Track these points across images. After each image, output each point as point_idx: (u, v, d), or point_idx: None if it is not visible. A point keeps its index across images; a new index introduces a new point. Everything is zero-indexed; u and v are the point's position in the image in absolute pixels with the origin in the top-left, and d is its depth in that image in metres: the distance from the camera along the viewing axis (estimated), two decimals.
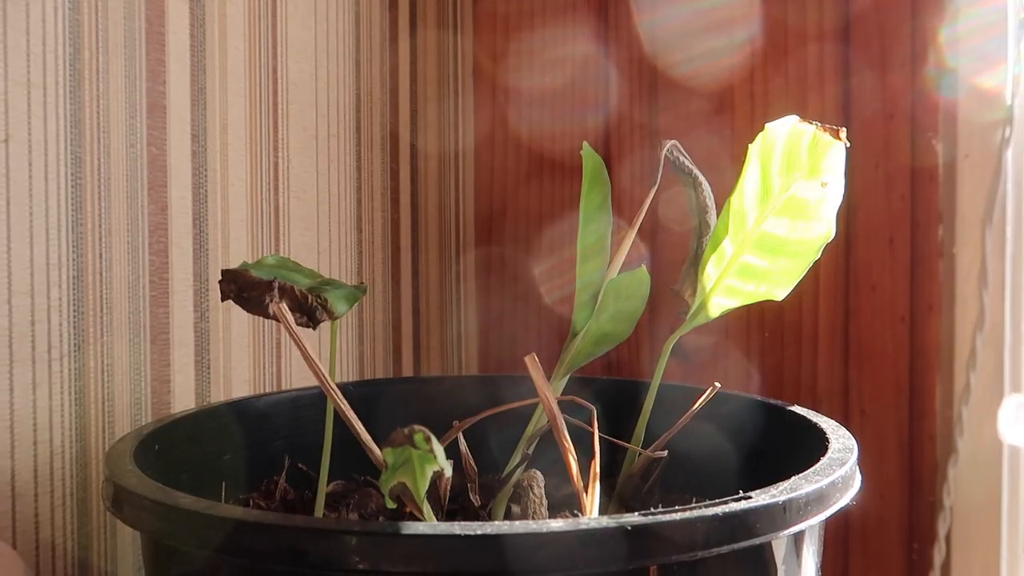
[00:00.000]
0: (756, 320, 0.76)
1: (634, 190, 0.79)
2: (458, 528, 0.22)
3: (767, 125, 0.30)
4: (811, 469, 0.28)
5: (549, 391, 0.28)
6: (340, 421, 0.40)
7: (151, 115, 0.54)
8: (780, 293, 0.34)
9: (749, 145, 0.31)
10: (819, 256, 0.32)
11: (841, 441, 0.33)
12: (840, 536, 0.72)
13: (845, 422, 0.75)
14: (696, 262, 0.48)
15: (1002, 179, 0.64)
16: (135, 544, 0.53)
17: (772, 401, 0.40)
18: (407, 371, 0.82)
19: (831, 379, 0.74)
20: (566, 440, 0.29)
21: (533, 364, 0.28)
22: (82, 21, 0.50)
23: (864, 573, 0.72)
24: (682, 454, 0.39)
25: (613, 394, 0.43)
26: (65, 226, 0.49)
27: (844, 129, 0.29)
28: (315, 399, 0.50)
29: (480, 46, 0.87)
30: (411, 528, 0.22)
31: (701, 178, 0.45)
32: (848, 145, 0.29)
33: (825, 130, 0.29)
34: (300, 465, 0.48)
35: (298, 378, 0.67)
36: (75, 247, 0.50)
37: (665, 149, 0.44)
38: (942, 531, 0.67)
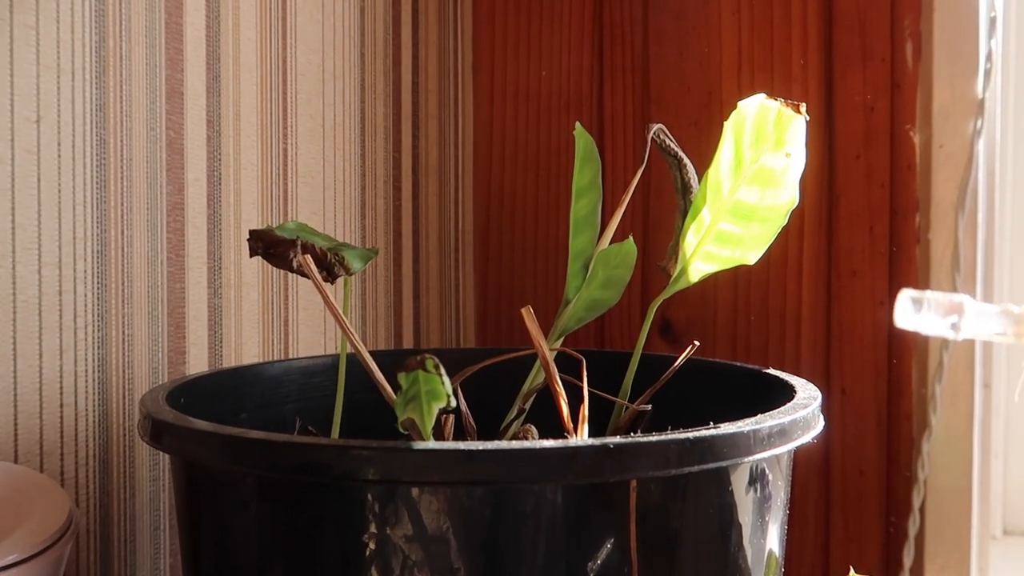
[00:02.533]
0: (743, 303, 0.80)
1: (628, 182, 0.83)
2: (462, 445, 0.25)
3: (739, 103, 0.34)
4: (777, 410, 0.32)
5: (543, 340, 0.32)
6: (349, 387, 0.43)
7: (170, 101, 0.58)
8: (752, 257, 0.37)
9: (725, 122, 0.34)
10: (786, 221, 0.35)
11: (807, 391, 0.36)
12: (821, 510, 0.75)
13: (827, 401, 0.78)
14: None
15: (974, 168, 0.67)
16: (151, 503, 0.56)
17: (749, 365, 0.44)
18: None
19: (814, 360, 0.77)
20: (558, 384, 0.32)
21: (529, 316, 0.31)
22: (107, 11, 0.53)
23: (844, 546, 0.75)
24: (667, 411, 0.43)
25: (604, 363, 0.46)
26: (90, 203, 0.52)
27: (804, 104, 0.32)
28: (325, 367, 0.54)
29: (479, 40, 0.90)
30: (420, 445, 0.25)
31: (686, 160, 0.48)
32: (808, 119, 0.33)
33: (788, 105, 0.32)
34: (310, 428, 0.51)
35: (304, 353, 0.70)
36: (99, 223, 0.53)
37: (652, 132, 0.47)
38: (916, 504, 0.70)
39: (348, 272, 0.32)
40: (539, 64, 0.87)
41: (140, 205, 0.56)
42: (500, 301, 0.90)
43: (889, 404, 0.75)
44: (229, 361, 0.62)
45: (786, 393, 0.38)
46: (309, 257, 0.30)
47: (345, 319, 0.30)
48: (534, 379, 0.41)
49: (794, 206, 0.35)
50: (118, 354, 0.54)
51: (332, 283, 0.32)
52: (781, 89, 0.75)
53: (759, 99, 0.33)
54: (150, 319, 0.56)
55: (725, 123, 0.34)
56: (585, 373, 0.34)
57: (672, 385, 0.44)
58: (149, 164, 0.56)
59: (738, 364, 0.45)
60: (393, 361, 0.57)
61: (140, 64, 0.55)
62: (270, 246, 0.30)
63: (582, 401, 0.33)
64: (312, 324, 0.70)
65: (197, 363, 0.60)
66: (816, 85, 0.74)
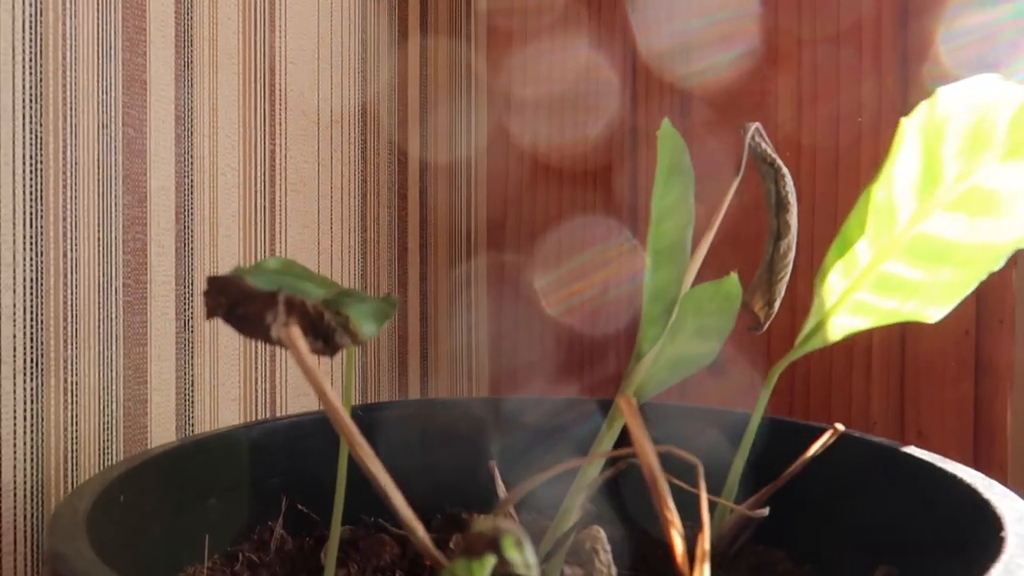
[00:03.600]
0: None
1: (642, 199, 0.72)
2: None
3: (939, 90, 0.23)
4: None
5: (649, 444, 0.21)
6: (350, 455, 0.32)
7: (128, 90, 0.47)
8: (934, 313, 0.26)
9: (903, 119, 0.24)
10: (1000, 266, 0.24)
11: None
12: None
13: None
14: (771, 268, 0.41)
15: None
16: None
17: (914, 452, 0.31)
18: (413, 382, 0.74)
19: (886, 399, 0.67)
20: (671, 510, 0.21)
21: (630, 408, 0.21)
22: None
23: None
24: (770, 502, 0.32)
25: (689, 425, 0.36)
26: (21, 219, 0.41)
27: None
28: (317, 426, 0.43)
29: (494, 26, 0.80)
30: None
31: (784, 170, 0.38)
32: None
33: None
34: (300, 507, 0.40)
35: (294, 395, 0.59)
36: (34, 244, 0.42)
37: (749, 134, 0.36)
38: None
39: (356, 340, 0.21)
40: (563, 54, 0.76)
41: (89, 220, 0.45)
42: (517, 323, 0.79)
43: (976, 451, 0.64)
44: (203, 409, 0.51)
45: (979, 513, 0.26)
46: (295, 327, 0.19)
47: (353, 429, 0.20)
48: (597, 466, 0.30)
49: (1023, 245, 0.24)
50: (58, 408, 0.43)
51: (331, 356, 0.21)
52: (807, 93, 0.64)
53: (985, 82, 0.22)
54: (101, 362, 0.45)
55: (903, 120, 0.24)
56: (703, 481, 0.23)
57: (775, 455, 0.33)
58: (101, 169, 0.45)
59: (886, 444, 0.33)
60: (399, 415, 0.46)
61: (90, 44, 0.44)
62: (238, 303, 0.20)
63: (700, 528, 0.23)
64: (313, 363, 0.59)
65: (162, 413, 0.49)
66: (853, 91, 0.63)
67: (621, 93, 0.74)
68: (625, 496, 0.37)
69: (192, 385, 0.51)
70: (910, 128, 0.24)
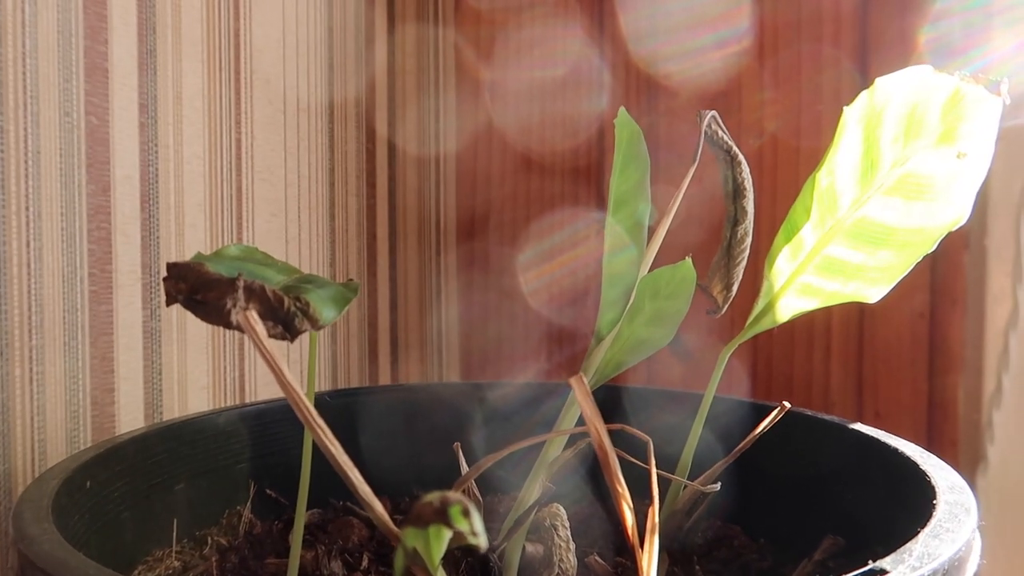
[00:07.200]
0: None
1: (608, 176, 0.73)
2: None
3: (877, 80, 0.24)
4: (927, 532, 0.22)
5: (599, 422, 0.22)
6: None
7: (90, 79, 0.46)
8: (873, 294, 0.28)
9: (845, 108, 0.25)
10: (934, 249, 0.26)
11: (956, 494, 0.25)
12: None
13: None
14: (729, 253, 0.42)
15: None
16: None
17: (861, 428, 0.33)
18: (384, 371, 0.75)
19: (844, 379, 0.68)
20: (620, 484, 0.22)
21: (580, 386, 0.22)
22: None
23: None
24: (728, 480, 0.33)
25: (646, 406, 0.37)
26: None
27: (1007, 80, 0.22)
28: (284, 412, 0.43)
29: (462, 10, 0.80)
30: None
31: (741, 157, 0.39)
32: (1008, 102, 0.23)
33: (976, 81, 0.22)
34: (268, 491, 0.41)
35: (264, 383, 0.59)
36: None
37: (704, 121, 0.37)
38: None
39: (315, 325, 0.21)
40: (531, 38, 0.76)
41: (52, 210, 0.44)
42: (488, 310, 0.80)
43: (930, 430, 0.66)
44: (171, 398, 0.52)
45: (917, 484, 0.27)
46: (254, 312, 0.20)
47: (311, 410, 0.20)
48: (558, 446, 0.31)
49: (957, 227, 0.25)
50: (23, 398, 0.43)
51: (291, 341, 0.22)
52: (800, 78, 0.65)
53: (921, 72, 0.23)
54: (67, 351, 0.45)
55: (846, 109, 0.25)
56: (652, 457, 0.24)
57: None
58: (64, 158, 0.45)
59: (835, 421, 0.34)
60: (368, 401, 0.47)
61: (50, 32, 0.44)
62: (197, 289, 0.20)
63: (650, 500, 0.24)
64: (274, 349, 0.59)
65: (130, 402, 0.49)
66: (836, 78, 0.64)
67: (591, 78, 0.74)
68: (591, 475, 0.38)
69: (160, 374, 0.51)
70: (851, 116, 0.25)
